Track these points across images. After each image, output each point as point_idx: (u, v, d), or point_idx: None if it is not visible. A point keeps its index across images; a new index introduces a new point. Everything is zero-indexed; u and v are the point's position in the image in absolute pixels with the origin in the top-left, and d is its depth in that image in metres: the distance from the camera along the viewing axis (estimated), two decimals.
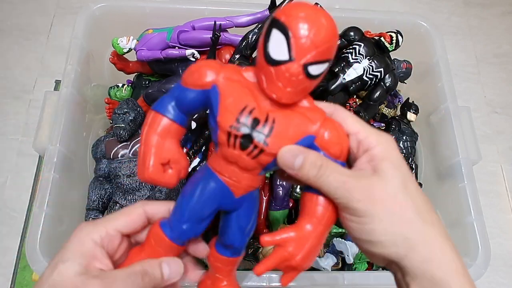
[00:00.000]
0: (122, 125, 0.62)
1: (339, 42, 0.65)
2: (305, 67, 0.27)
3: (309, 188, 0.32)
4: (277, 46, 0.27)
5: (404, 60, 0.75)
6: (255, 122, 0.29)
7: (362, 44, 0.64)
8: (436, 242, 0.28)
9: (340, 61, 0.65)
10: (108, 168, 0.64)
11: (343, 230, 0.66)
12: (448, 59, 0.72)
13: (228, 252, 0.37)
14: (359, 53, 0.64)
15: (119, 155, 0.62)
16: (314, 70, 0.28)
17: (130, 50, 0.68)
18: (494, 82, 1.13)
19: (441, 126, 0.69)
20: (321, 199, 0.31)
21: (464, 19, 1.22)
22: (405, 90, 0.82)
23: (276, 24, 0.27)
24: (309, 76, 0.28)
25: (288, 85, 0.28)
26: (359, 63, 0.63)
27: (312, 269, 0.61)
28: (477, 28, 1.21)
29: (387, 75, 0.65)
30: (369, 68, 0.63)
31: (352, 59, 0.64)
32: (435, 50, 0.72)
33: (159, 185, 0.33)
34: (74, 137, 0.64)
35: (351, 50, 0.65)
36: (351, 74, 0.63)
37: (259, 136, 0.29)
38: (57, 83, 0.98)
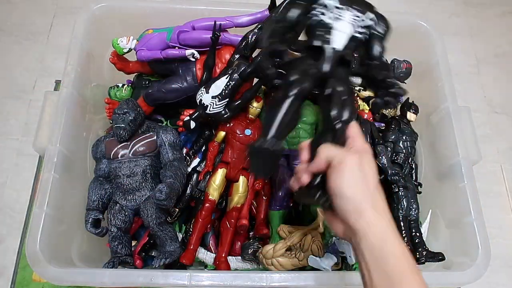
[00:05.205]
0: (122, 125, 0.62)
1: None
2: None
3: None
4: None
5: (404, 60, 0.75)
6: None
7: None
8: (379, 209, 0.39)
9: (315, 28, 0.47)
10: (108, 168, 0.64)
11: None
12: (448, 59, 0.72)
13: None
14: (333, 7, 0.46)
15: (119, 155, 0.62)
16: None
17: (130, 50, 0.68)
18: (494, 82, 1.13)
19: (441, 126, 0.69)
20: None
21: (464, 19, 1.22)
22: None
23: None
24: None
25: None
26: (341, 19, 0.46)
27: (312, 269, 0.61)
28: (477, 28, 1.21)
29: (376, 19, 0.48)
30: (356, 19, 0.46)
31: (329, 18, 0.46)
32: (435, 50, 0.72)
33: None
34: (74, 137, 0.64)
35: (320, 7, 0.47)
36: (338, 39, 0.46)
37: None
38: (57, 83, 0.98)
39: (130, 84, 0.75)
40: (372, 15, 0.47)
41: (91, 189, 0.63)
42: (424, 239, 0.66)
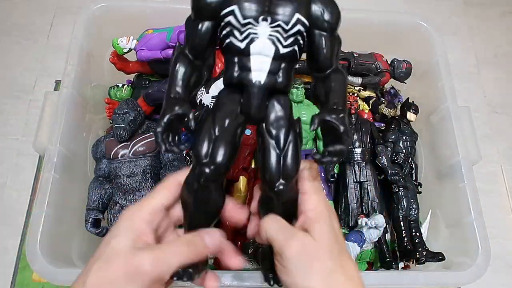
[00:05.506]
0: (122, 125, 0.62)
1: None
2: None
3: None
4: None
5: (404, 60, 0.75)
6: None
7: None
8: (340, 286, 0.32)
9: (227, 56, 0.35)
10: (108, 168, 0.64)
11: (345, 231, 0.66)
12: (448, 59, 0.72)
13: None
14: (240, 26, 0.32)
15: (119, 155, 0.62)
16: None
17: (130, 50, 0.68)
18: (494, 82, 1.13)
19: (441, 126, 0.69)
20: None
21: (464, 19, 1.22)
22: (405, 90, 0.82)
23: None
24: None
25: None
26: (257, 36, 0.33)
27: None
28: (477, 28, 1.21)
29: (315, 8, 0.34)
30: (278, 30, 0.32)
31: (240, 41, 0.33)
32: (435, 50, 0.72)
33: None
34: (74, 137, 0.63)
35: (227, 26, 0.33)
36: (259, 66, 0.33)
37: None
38: (57, 83, 0.98)
39: (130, 84, 0.75)
40: (298, 16, 0.32)
41: (91, 189, 0.63)
42: (424, 239, 0.66)
